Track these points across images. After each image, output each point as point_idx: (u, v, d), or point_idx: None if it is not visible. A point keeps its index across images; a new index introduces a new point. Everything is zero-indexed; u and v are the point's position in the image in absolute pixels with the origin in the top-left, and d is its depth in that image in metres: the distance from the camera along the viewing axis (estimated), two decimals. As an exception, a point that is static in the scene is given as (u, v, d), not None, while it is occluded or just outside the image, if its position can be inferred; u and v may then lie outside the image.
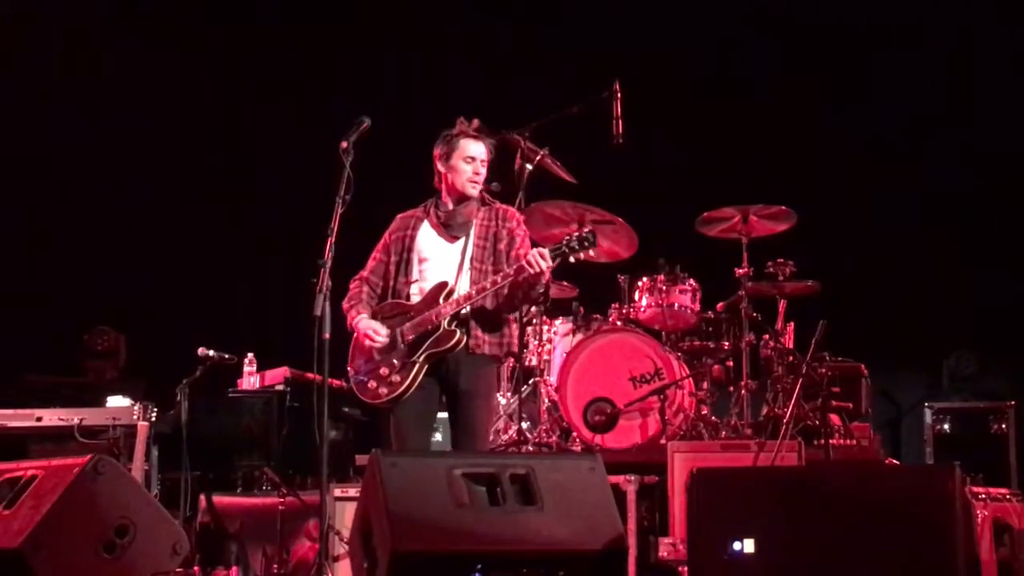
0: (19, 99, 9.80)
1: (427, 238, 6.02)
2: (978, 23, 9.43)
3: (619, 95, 7.53)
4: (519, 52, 9.83)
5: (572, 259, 5.77)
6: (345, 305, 6.02)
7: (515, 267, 5.77)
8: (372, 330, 5.89)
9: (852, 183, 9.50)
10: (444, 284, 5.89)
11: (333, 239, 5.56)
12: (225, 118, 9.98)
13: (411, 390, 5.83)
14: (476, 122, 6.04)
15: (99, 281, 9.67)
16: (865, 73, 9.63)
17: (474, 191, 6.00)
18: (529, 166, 7.37)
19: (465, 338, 5.84)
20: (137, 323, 9.18)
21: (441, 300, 5.84)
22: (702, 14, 9.78)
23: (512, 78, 9.64)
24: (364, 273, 6.11)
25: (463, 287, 5.87)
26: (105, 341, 8.97)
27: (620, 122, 7.52)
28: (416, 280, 5.97)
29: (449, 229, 5.99)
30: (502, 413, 7.79)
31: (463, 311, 5.84)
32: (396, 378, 5.83)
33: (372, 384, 5.87)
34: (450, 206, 6.03)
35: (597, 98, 7.53)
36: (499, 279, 5.80)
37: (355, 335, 5.99)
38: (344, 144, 5.67)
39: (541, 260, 5.68)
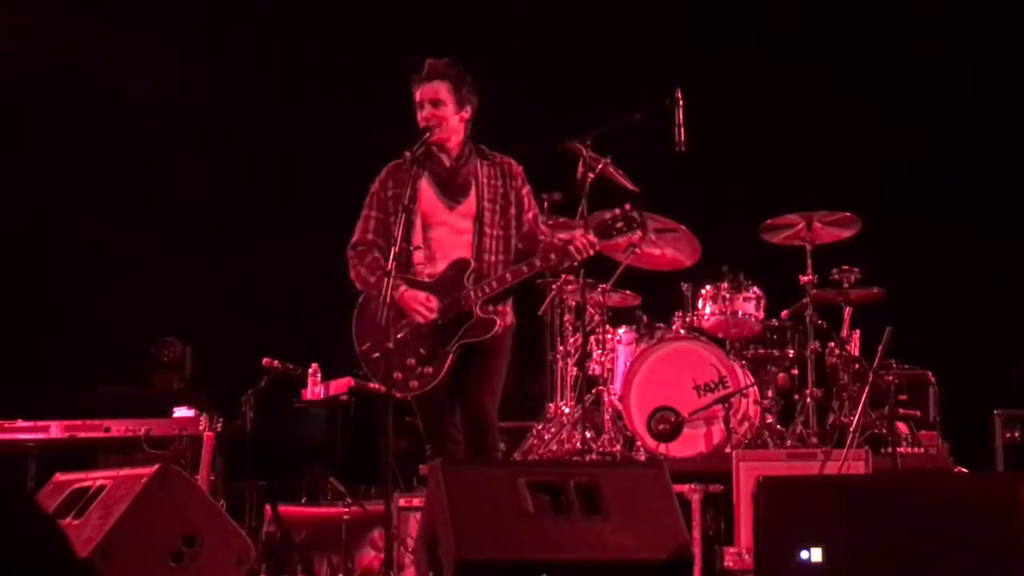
0: (88, 108, 9.90)
1: (429, 199, 5.69)
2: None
3: (681, 102, 7.49)
4: (582, 59, 9.82)
5: (620, 240, 5.57)
6: (371, 277, 5.64)
7: (558, 252, 5.55)
8: (423, 301, 5.55)
9: (918, 188, 9.41)
10: (465, 262, 5.62)
11: (396, 249, 5.50)
12: (291, 127, 10.01)
13: (441, 380, 5.60)
14: (429, 61, 5.70)
15: (165, 292, 9.76)
16: (930, 77, 9.53)
17: (432, 135, 5.59)
18: (591, 174, 7.35)
19: (500, 322, 5.63)
20: (203, 334, 9.24)
21: (467, 282, 5.59)
22: (761, 19, 9.73)
23: (574, 86, 9.62)
24: (368, 236, 5.76)
25: (477, 257, 5.61)
26: (171, 352, 9.04)
27: (683, 130, 7.46)
28: (420, 247, 5.66)
29: (450, 190, 5.68)
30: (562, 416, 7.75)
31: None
32: (428, 369, 5.59)
33: (399, 376, 5.56)
34: (446, 163, 5.71)
35: (659, 105, 7.50)
36: (538, 263, 5.60)
37: (362, 311, 5.71)
38: (408, 155, 5.63)
39: (590, 248, 5.54)
